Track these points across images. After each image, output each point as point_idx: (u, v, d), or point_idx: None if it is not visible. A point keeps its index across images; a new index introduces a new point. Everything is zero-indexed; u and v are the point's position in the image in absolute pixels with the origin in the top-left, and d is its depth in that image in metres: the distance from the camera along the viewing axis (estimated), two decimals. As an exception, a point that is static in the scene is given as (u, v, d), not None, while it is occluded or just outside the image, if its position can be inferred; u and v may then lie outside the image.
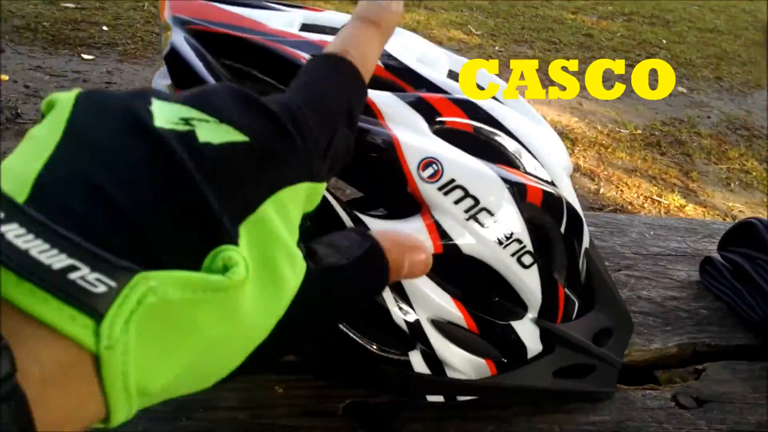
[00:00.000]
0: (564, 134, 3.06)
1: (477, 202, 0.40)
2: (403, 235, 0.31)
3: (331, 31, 0.44)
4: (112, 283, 0.19)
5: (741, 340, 0.60)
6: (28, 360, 0.18)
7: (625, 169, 2.87)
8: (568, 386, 0.49)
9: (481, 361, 0.45)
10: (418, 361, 0.44)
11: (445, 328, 0.43)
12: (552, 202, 0.43)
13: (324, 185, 0.28)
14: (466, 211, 0.40)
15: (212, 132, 0.23)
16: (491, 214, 0.40)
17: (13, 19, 3.23)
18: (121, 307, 0.19)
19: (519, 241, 0.42)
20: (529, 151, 0.44)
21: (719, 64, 4.32)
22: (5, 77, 2.70)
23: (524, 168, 0.43)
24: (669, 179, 2.85)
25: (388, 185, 0.40)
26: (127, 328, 0.19)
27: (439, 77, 0.44)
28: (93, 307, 0.18)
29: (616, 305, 0.53)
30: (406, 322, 0.42)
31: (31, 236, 0.18)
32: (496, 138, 0.43)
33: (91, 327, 0.18)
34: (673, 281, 0.67)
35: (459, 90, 0.43)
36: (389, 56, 0.43)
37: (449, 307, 0.42)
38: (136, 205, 0.21)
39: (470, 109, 0.43)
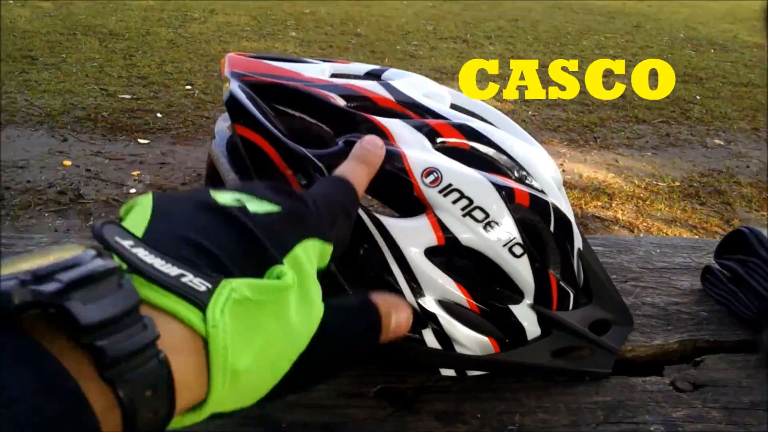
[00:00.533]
0: (601, 189, 3.12)
1: (471, 201, 0.50)
2: (388, 297, 0.40)
3: (354, 77, 0.56)
4: (209, 285, 0.28)
5: (739, 336, 0.66)
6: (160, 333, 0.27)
7: (665, 220, 2.90)
8: (565, 365, 0.57)
9: (485, 339, 0.53)
10: (430, 338, 0.52)
11: (452, 308, 0.52)
12: (539, 204, 0.53)
13: (331, 247, 0.38)
14: (463, 209, 0.50)
15: (256, 205, 0.34)
16: (484, 211, 0.50)
17: (74, 110, 3.50)
18: (217, 300, 0.27)
19: (509, 233, 0.51)
20: (520, 165, 0.53)
21: (755, 115, 4.35)
22: (68, 162, 2.92)
23: (514, 177, 0.53)
24: (710, 228, 2.86)
25: (399, 191, 0.49)
26: (223, 314, 0.27)
27: (441, 107, 0.55)
28: (200, 299, 0.27)
29: (614, 301, 0.61)
30: (417, 302, 0.51)
31: (152, 256, 0.28)
32: (490, 153, 0.53)
33: (199, 315, 0.27)
34: (677, 290, 0.73)
35: (458, 117, 0.54)
36: (400, 93, 0.54)
37: (453, 290, 0.51)
38: (218, 247, 0.31)
39: (467, 131, 0.53)
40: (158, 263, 0.28)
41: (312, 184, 0.49)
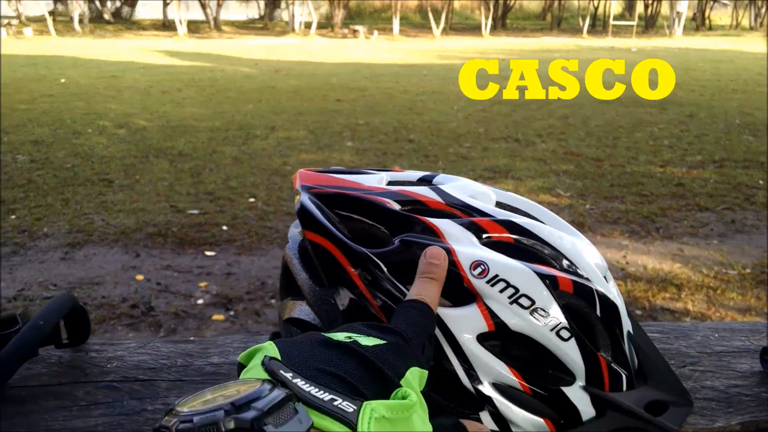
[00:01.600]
0: (668, 280, 3.06)
1: (517, 290, 0.54)
2: (474, 424, 0.48)
3: (408, 183, 0.63)
4: (354, 407, 0.34)
5: (804, 417, 0.65)
6: None
7: (739, 309, 2.81)
8: None
9: (540, 420, 0.56)
10: (487, 420, 0.55)
11: (506, 390, 0.55)
12: (583, 290, 0.56)
13: (427, 372, 0.45)
14: (510, 298, 0.54)
15: (366, 340, 0.41)
16: (529, 299, 0.54)
17: (147, 227, 3.70)
18: (362, 419, 0.34)
19: (555, 318, 0.54)
20: (563, 254, 0.58)
21: (822, 196, 4.24)
22: (140, 277, 3.06)
23: (559, 266, 0.57)
24: (787, 314, 2.75)
25: (450, 283, 0.54)
26: (369, 428, 0.34)
27: (486, 206, 0.60)
28: (349, 419, 0.34)
29: (670, 383, 0.62)
30: (473, 386, 0.54)
31: (308, 385, 0.36)
32: (534, 245, 0.57)
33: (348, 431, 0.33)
34: (736, 372, 0.73)
35: (503, 214, 0.59)
36: (449, 195, 0.61)
37: (506, 373, 0.54)
38: (348, 374, 0.38)
39: (511, 226, 0.58)
40: (314, 390, 0.34)
41: (374, 281, 0.54)
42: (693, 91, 8.87)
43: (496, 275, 0.54)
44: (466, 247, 0.55)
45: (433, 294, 0.52)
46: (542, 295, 0.54)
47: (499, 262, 0.55)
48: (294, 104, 7.94)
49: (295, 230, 0.63)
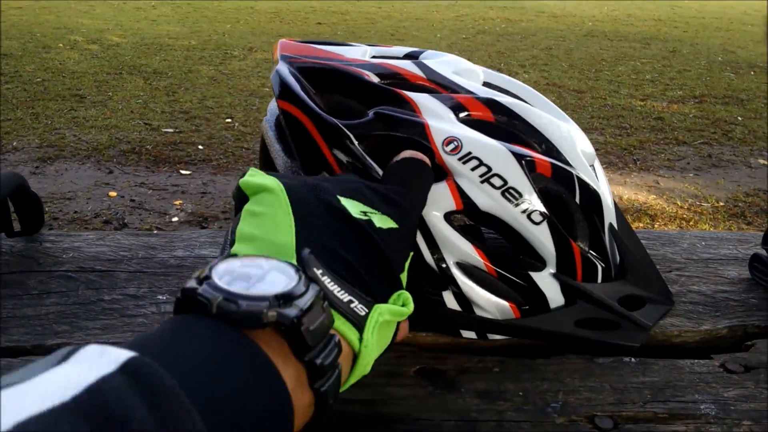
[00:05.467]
0: (643, 211, 3.07)
1: (489, 169, 0.51)
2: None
3: (393, 58, 0.57)
4: (366, 310, 0.35)
5: (791, 322, 0.64)
6: None
7: (711, 242, 2.83)
8: (590, 335, 0.56)
9: (504, 303, 0.55)
10: (450, 299, 0.54)
11: (471, 270, 0.53)
12: (562, 175, 0.54)
13: (412, 253, 0.45)
14: (481, 176, 0.51)
15: (380, 221, 0.39)
16: (501, 178, 0.51)
17: (120, 144, 3.61)
18: (369, 324, 0.35)
19: (528, 201, 0.52)
20: (546, 138, 0.54)
21: (801, 134, 4.25)
22: (114, 193, 2.99)
23: (541, 149, 0.54)
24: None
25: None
26: (372, 336, 0.35)
27: (471, 84, 0.56)
28: (360, 324, 0.35)
29: (651, 279, 0.61)
30: (437, 264, 0.52)
31: (333, 283, 0.34)
32: (516, 126, 0.54)
33: (357, 335, 0.35)
34: (724, 279, 0.71)
35: (487, 93, 0.55)
36: (431, 71, 0.56)
37: (471, 252, 0.53)
38: (361, 266, 0.37)
39: (492, 105, 0.54)
40: (336, 290, 0.34)
41: (351, 158, 0.51)
42: (677, 27, 8.75)
43: (469, 152, 0.51)
44: (441, 122, 0.52)
45: (425, 158, 0.50)
46: (516, 175, 0.51)
47: (474, 139, 0.51)
48: (273, 26, 7.70)
49: (274, 104, 0.58)
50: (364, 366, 0.36)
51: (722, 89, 5.38)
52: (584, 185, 0.55)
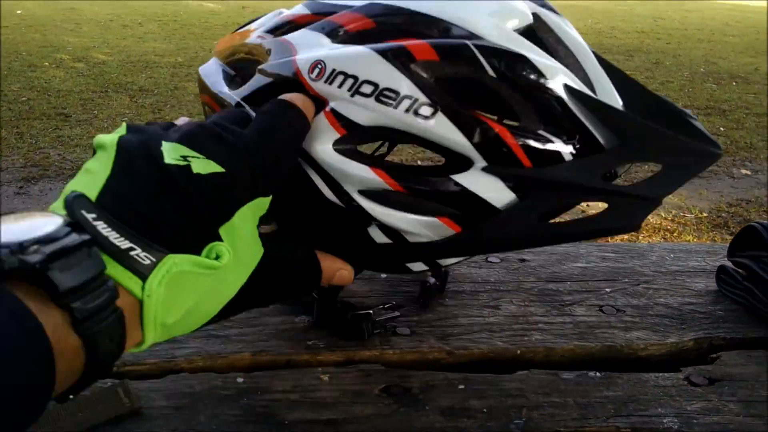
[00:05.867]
0: (627, 223, 3.08)
1: (356, 79, 0.46)
2: (330, 256, 0.47)
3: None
4: (153, 259, 0.33)
5: (757, 333, 0.64)
6: None
7: (695, 252, 2.85)
8: (562, 230, 0.51)
9: (433, 219, 0.48)
10: (377, 234, 0.49)
11: (378, 196, 0.48)
12: (453, 51, 0.46)
13: (270, 198, 0.41)
14: (349, 90, 0.46)
15: (202, 166, 0.37)
16: (371, 83, 0.45)
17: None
18: (157, 273, 0.33)
19: (408, 96, 0.45)
20: (440, 19, 0.48)
21: (782, 144, 4.30)
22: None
23: (434, 34, 0.48)
24: (741, 257, 2.80)
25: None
26: (159, 285, 0.33)
27: (356, 2, 0.51)
28: (142, 272, 0.33)
29: (661, 137, 0.50)
30: (341, 200, 0.48)
31: (109, 229, 0.33)
32: (402, 22, 0.48)
33: (140, 284, 0.33)
34: (691, 291, 0.72)
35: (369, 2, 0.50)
36: (318, 5, 0.53)
37: (369, 176, 0.47)
38: (159, 217, 0.35)
39: (372, 11, 0.49)
40: (113, 236, 0.33)
41: None
42: (660, 39, 8.84)
43: (333, 70, 0.46)
44: (311, 51, 0.48)
45: (297, 98, 0.46)
46: (385, 74, 0.45)
47: (336, 55, 0.47)
48: (259, 42, 7.72)
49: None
50: (153, 319, 0.33)
51: (704, 100, 5.43)
52: (494, 52, 0.46)
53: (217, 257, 0.36)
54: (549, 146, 0.47)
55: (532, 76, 0.46)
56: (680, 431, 0.51)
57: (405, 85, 0.45)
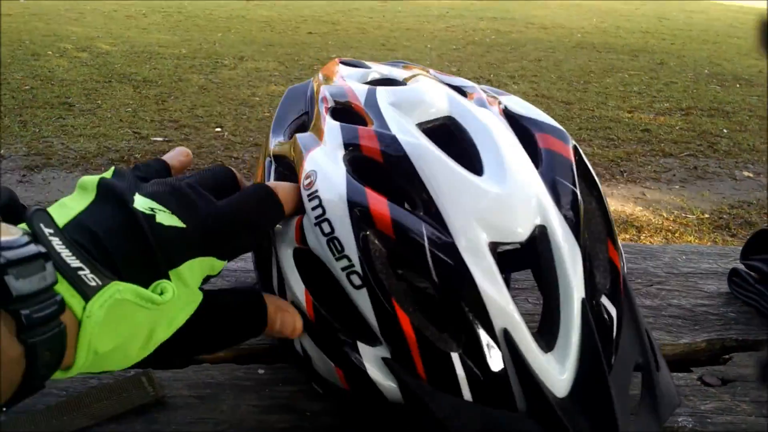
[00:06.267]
0: (629, 222, 3.09)
1: (324, 212, 0.45)
2: (282, 301, 0.48)
3: (385, 82, 0.59)
4: (100, 282, 0.34)
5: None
6: None
7: (696, 253, 2.86)
8: None
9: (330, 363, 0.47)
10: (296, 341, 0.50)
11: (305, 315, 0.48)
12: (410, 241, 0.44)
13: (224, 263, 0.44)
14: (316, 218, 0.46)
15: (165, 218, 0.40)
16: (330, 226, 0.45)
17: (108, 153, 3.60)
18: (100, 297, 0.34)
19: (347, 258, 0.44)
20: (432, 198, 0.45)
21: (785, 147, 4.31)
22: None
23: (420, 207, 0.45)
24: (742, 259, 2.81)
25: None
26: (101, 308, 0.34)
27: (397, 118, 0.50)
28: (86, 292, 0.34)
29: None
30: (281, 295, 0.49)
31: (63, 246, 0.35)
32: (402, 171, 0.47)
33: (83, 304, 0.33)
34: (703, 292, 0.73)
35: (401, 130, 0.49)
36: (372, 99, 0.52)
37: (300, 295, 0.47)
38: (115, 247, 0.37)
39: (389, 145, 0.48)
40: (66, 253, 0.34)
41: None
42: (664, 39, 8.84)
43: (316, 190, 0.46)
44: (320, 154, 0.48)
45: (290, 195, 0.47)
46: (343, 226, 0.44)
47: (327, 177, 0.46)
48: (264, 35, 7.71)
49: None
50: (87, 342, 0.34)
51: (708, 102, 5.43)
52: (446, 264, 0.43)
53: (162, 293, 0.37)
54: (451, 370, 0.44)
55: (475, 307, 0.43)
56: (694, 430, 0.52)
57: (351, 247, 0.44)
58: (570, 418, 0.42)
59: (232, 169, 0.50)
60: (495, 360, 0.43)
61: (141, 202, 0.40)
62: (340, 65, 0.61)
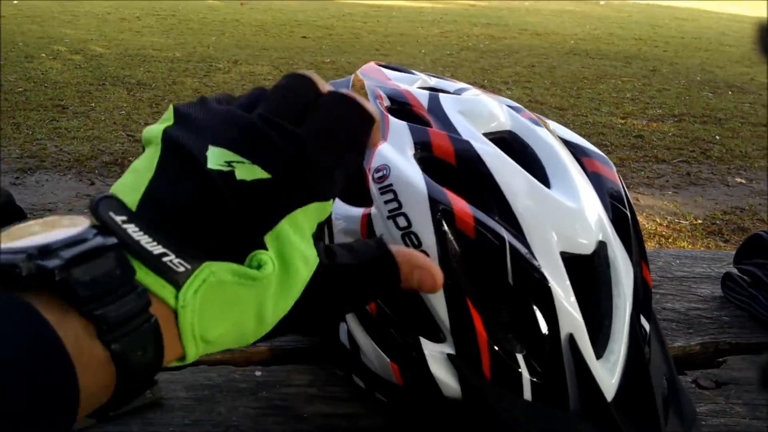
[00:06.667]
0: (622, 229, 3.11)
1: (400, 206, 0.46)
2: (418, 254, 0.40)
3: (436, 90, 0.59)
4: (188, 266, 0.30)
5: (761, 339, 0.66)
6: None
7: (688, 259, 2.87)
8: None
9: (386, 359, 0.48)
10: (342, 333, 0.50)
11: (362, 312, 0.49)
12: (489, 243, 0.45)
13: (331, 202, 0.37)
14: (390, 211, 0.46)
15: (246, 171, 0.33)
16: (407, 220, 0.46)
17: (102, 156, 3.59)
18: (192, 282, 0.30)
19: (425, 254, 0.43)
20: (508, 203, 0.47)
21: (777, 154, 4.34)
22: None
23: (495, 212, 0.47)
24: (734, 265, 2.83)
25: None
26: (195, 295, 0.30)
27: (467, 126, 0.52)
28: (176, 280, 0.30)
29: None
30: None
31: (141, 233, 0.31)
32: (476, 177, 0.48)
33: (174, 293, 0.30)
34: (697, 296, 0.73)
35: (476, 139, 0.50)
36: (436, 104, 0.54)
37: None
38: (197, 223, 0.32)
39: (463, 152, 0.49)
40: (145, 240, 0.30)
41: None
42: (657, 46, 8.89)
43: (390, 185, 0.47)
44: (390, 151, 0.49)
45: (370, 108, 0.40)
46: (422, 221, 0.46)
47: (402, 173, 0.47)
48: (258, 39, 7.72)
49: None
50: (190, 332, 0.30)
51: (701, 108, 5.47)
52: (523, 267, 0.45)
53: (259, 267, 0.33)
54: (513, 372, 0.46)
55: (546, 309, 0.46)
56: (689, 432, 0.53)
57: (431, 242, 0.45)
58: (621, 420, 0.45)
59: (308, 74, 0.39)
60: (557, 362, 0.46)
61: (215, 157, 0.34)
62: (384, 68, 0.61)
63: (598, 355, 0.47)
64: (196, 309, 0.30)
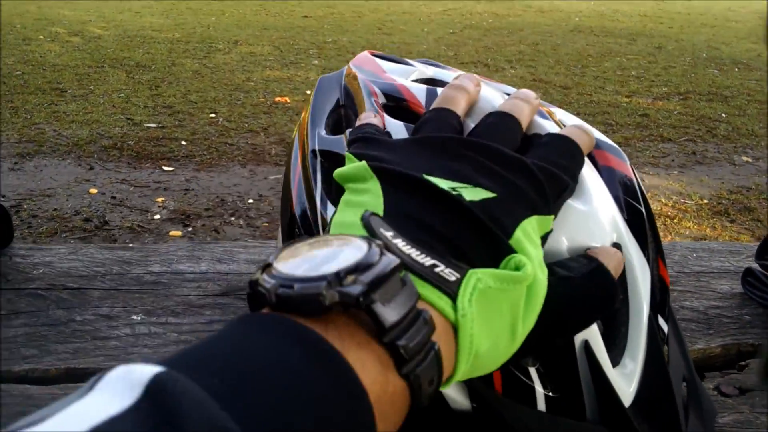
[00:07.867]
0: (628, 210, 3.07)
1: None
2: (609, 250, 0.40)
3: (432, 82, 0.55)
4: (458, 275, 0.29)
5: (785, 340, 0.62)
6: None
7: (694, 238, 2.84)
8: None
9: None
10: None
11: None
12: None
13: (552, 217, 0.37)
14: None
15: (472, 194, 0.34)
16: None
17: (101, 140, 3.55)
18: (465, 290, 0.29)
19: None
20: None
21: (784, 132, 4.28)
22: (94, 190, 2.94)
23: None
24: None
25: None
26: (471, 304, 0.29)
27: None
28: (450, 289, 0.29)
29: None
30: None
31: (408, 246, 0.29)
32: None
33: (450, 304, 0.28)
34: (716, 293, 0.69)
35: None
36: (432, 98, 0.51)
37: None
38: (451, 229, 0.32)
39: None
40: (414, 253, 0.29)
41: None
42: (662, 23, 8.78)
43: None
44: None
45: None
46: None
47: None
48: (259, 19, 7.63)
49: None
50: (469, 344, 0.29)
51: (707, 86, 5.39)
52: None
53: (517, 269, 0.31)
54: (524, 385, 0.42)
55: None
56: (713, 446, 0.49)
57: None
58: (639, 425, 0.43)
59: (515, 115, 0.42)
60: (573, 375, 0.43)
61: (442, 185, 0.34)
62: (378, 59, 0.58)
63: (615, 362, 0.44)
64: (475, 318, 0.29)
